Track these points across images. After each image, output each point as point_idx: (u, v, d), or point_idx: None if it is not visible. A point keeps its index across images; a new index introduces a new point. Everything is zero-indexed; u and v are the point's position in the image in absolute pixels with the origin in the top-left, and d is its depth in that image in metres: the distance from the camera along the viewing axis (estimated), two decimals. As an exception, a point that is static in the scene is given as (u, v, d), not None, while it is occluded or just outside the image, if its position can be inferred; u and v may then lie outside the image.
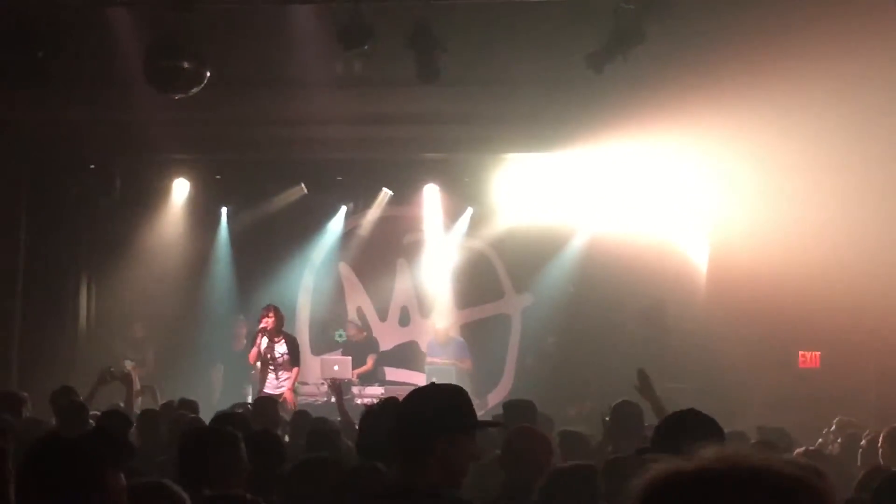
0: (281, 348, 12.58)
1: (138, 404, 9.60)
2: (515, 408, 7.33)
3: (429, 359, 14.80)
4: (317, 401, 13.28)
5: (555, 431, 8.72)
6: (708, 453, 1.42)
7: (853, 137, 10.58)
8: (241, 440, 4.42)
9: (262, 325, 12.49)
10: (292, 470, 4.85)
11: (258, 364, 12.65)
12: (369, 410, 4.94)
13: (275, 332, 12.55)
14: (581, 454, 6.46)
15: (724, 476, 1.39)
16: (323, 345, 15.79)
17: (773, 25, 9.80)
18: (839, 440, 8.12)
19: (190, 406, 9.21)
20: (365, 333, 15.34)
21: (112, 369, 8.86)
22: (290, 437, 8.61)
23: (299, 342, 13.31)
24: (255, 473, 4.65)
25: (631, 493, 1.45)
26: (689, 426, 3.95)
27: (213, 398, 12.79)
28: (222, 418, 5.75)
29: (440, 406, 3.39)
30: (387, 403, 4.57)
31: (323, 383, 13.97)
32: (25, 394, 9.15)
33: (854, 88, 9.96)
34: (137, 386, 9.96)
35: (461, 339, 15.24)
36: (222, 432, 4.67)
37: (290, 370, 12.49)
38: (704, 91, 10.28)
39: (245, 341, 14.67)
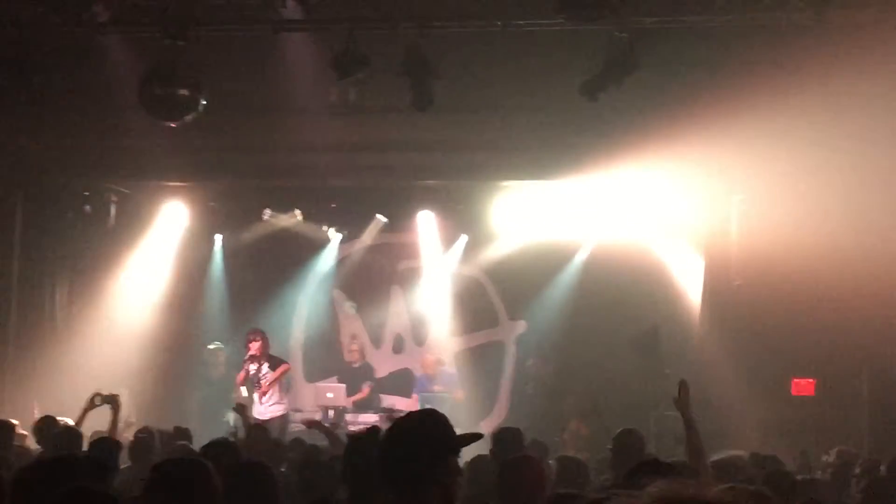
0: (265, 369, 12.81)
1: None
2: (503, 436, 7.31)
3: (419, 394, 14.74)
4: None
5: (549, 458, 8.75)
6: (657, 487, 1.45)
7: (849, 163, 10.61)
8: (212, 471, 4.34)
9: (251, 353, 12.65)
10: None
11: (243, 389, 12.79)
12: (354, 438, 4.90)
13: (262, 357, 12.76)
14: (579, 481, 6.42)
15: None
16: (318, 371, 15.74)
17: (765, 52, 9.85)
18: (830, 470, 8.10)
19: (184, 434, 9.17)
20: (363, 360, 15.32)
21: (100, 393, 8.80)
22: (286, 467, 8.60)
23: (294, 369, 13.41)
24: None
25: None
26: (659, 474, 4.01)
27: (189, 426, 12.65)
28: (213, 447, 5.72)
29: (434, 434, 3.39)
30: (371, 431, 4.53)
31: (318, 411, 13.95)
32: (15, 422, 9.11)
33: (852, 112, 9.98)
34: (134, 418, 9.91)
35: (451, 370, 15.21)
36: (192, 463, 4.60)
37: (276, 394, 12.61)
38: (698, 119, 10.32)
39: (223, 369, 14.63)
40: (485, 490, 6.36)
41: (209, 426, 12.54)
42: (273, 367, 12.98)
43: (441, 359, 15.18)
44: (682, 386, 6.65)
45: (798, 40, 9.52)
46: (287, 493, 6.10)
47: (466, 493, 6.95)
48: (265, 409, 12.92)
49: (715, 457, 7.38)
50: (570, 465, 6.94)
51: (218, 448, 5.72)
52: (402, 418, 3.54)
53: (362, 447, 4.42)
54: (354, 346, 15.27)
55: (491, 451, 7.14)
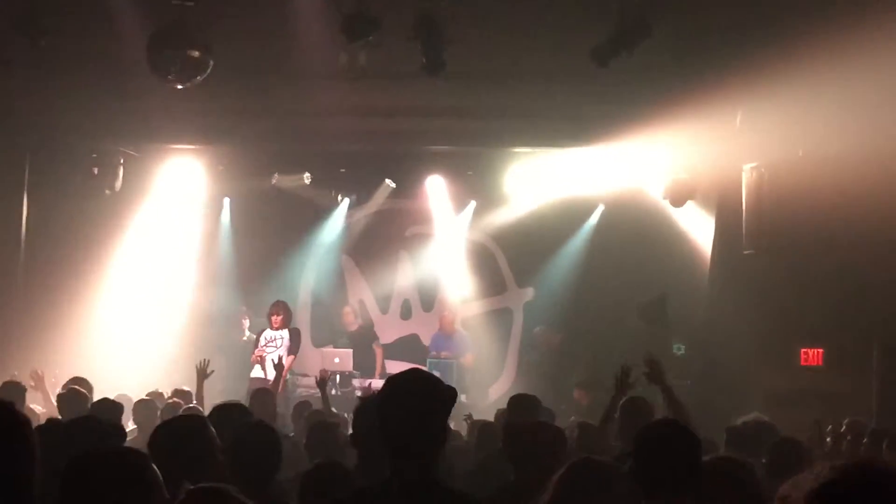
0: (283, 334, 12.78)
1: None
2: (519, 402, 7.35)
3: (433, 353, 14.74)
4: (317, 393, 13.23)
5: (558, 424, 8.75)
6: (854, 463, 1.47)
7: (864, 132, 10.49)
8: (209, 427, 4.37)
9: (274, 327, 12.82)
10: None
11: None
12: (364, 402, 4.90)
13: (281, 328, 12.97)
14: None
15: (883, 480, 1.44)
16: (325, 336, 15.76)
17: (779, 16, 9.73)
18: (849, 437, 8.07)
19: (184, 396, 9.22)
20: (360, 322, 15.30)
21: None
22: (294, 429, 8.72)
23: (301, 333, 13.43)
24: (250, 467, 4.61)
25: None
26: (667, 437, 4.01)
27: (213, 389, 12.72)
28: (221, 409, 5.71)
29: (447, 392, 3.41)
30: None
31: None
32: (21, 383, 9.16)
33: (869, 81, 9.86)
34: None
35: (465, 332, 15.23)
36: (188, 419, 4.63)
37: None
38: (710, 85, 10.23)
39: (248, 332, 14.65)
40: (492, 455, 6.38)
41: (233, 390, 12.59)
42: (291, 334, 12.99)
43: (455, 319, 15.18)
44: (649, 361, 6.64)
45: (815, 3, 9.41)
46: (295, 456, 6.11)
47: (475, 458, 6.98)
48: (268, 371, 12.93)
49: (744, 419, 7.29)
50: (590, 431, 6.97)
51: (228, 409, 5.71)
52: (391, 379, 3.52)
53: (371, 411, 4.41)
54: (348, 309, 15.31)
55: (507, 416, 7.19)
